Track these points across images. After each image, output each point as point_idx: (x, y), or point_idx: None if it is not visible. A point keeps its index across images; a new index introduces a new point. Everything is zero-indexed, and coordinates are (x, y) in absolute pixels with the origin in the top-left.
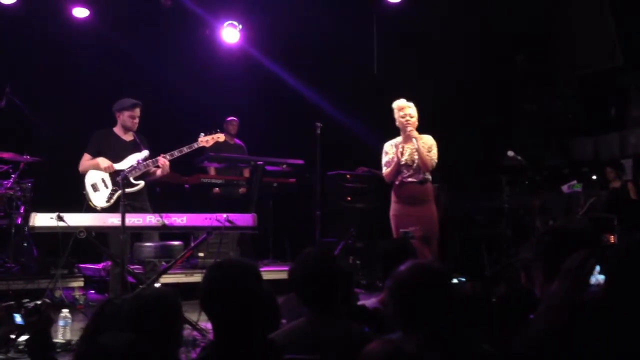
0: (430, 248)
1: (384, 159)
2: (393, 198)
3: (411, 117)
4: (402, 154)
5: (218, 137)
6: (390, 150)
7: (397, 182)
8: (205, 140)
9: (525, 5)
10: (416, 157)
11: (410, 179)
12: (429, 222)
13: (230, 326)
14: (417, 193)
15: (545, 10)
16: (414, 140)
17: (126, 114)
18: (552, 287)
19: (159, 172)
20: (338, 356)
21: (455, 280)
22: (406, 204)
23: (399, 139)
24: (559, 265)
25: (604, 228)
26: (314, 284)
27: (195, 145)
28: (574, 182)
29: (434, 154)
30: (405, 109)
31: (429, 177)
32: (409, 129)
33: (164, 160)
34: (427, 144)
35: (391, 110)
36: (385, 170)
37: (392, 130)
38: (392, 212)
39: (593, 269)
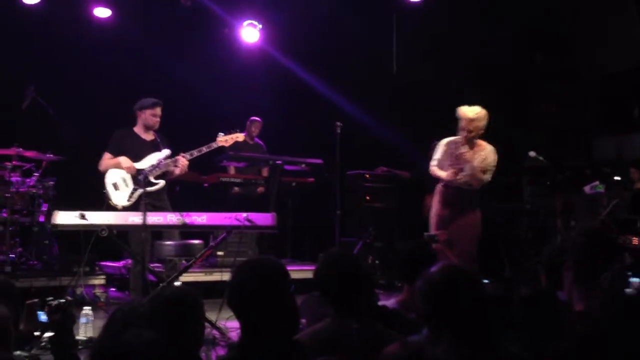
0: (470, 252)
1: (436, 155)
2: (437, 198)
3: (470, 132)
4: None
5: (237, 137)
6: (445, 150)
7: (442, 184)
8: (224, 140)
9: (546, 2)
10: (469, 171)
11: (458, 185)
12: (472, 227)
13: (258, 326)
14: (463, 198)
15: (565, 8)
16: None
17: (148, 112)
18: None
19: (177, 171)
20: (364, 357)
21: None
22: (450, 207)
23: (459, 139)
24: (590, 266)
25: (627, 229)
26: (340, 285)
27: (214, 145)
28: (596, 182)
29: (489, 173)
30: (464, 121)
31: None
32: (460, 150)
33: (183, 160)
34: (489, 159)
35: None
36: (434, 168)
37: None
38: (434, 211)
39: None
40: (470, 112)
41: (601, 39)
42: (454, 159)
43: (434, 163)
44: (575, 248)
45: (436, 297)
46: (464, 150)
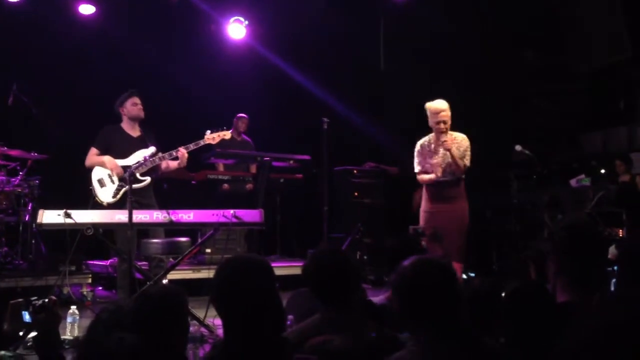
0: (460, 244)
1: (417, 158)
2: (424, 195)
3: (445, 123)
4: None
5: (224, 135)
6: (420, 153)
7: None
8: (211, 137)
9: None
10: (449, 159)
11: (443, 179)
12: (459, 219)
13: (241, 323)
14: (449, 191)
15: (553, 4)
16: (448, 152)
17: (128, 104)
18: None
19: (174, 164)
20: None
21: (464, 276)
22: (437, 201)
23: (431, 137)
24: (572, 260)
25: (612, 222)
26: (330, 281)
27: (202, 143)
28: (582, 176)
29: (467, 158)
30: (440, 114)
31: (462, 175)
32: (442, 139)
33: (183, 151)
34: (462, 146)
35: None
36: (418, 173)
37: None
38: (422, 208)
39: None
40: (442, 103)
41: (588, 33)
42: (431, 155)
43: (417, 170)
44: (558, 240)
45: (408, 290)
46: (442, 141)
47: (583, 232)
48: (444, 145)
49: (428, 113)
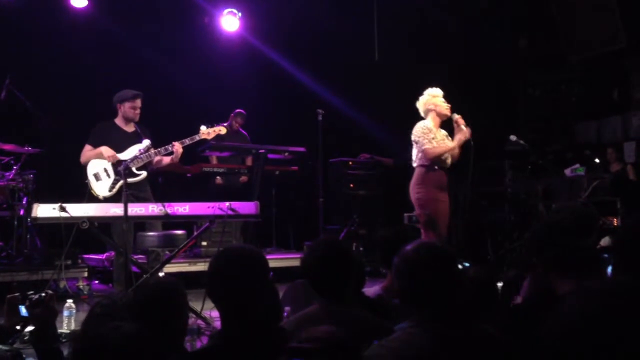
0: (442, 233)
1: (424, 138)
2: (421, 183)
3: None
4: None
5: (220, 131)
6: (434, 132)
7: (428, 165)
8: (206, 132)
9: None
10: (449, 144)
11: (442, 165)
12: (449, 206)
13: (236, 314)
14: (445, 179)
15: None
16: (463, 127)
17: (127, 105)
18: None
19: (167, 159)
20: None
21: (459, 266)
22: (436, 189)
23: (428, 123)
24: (553, 256)
25: (607, 211)
26: (328, 273)
27: (197, 137)
28: (577, 165)
29: None
30: (442, 96)
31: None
32: (456, 116)
33: (178, 146)
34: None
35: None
36: (432, 149)
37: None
38: (419, 195)
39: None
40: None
41: (582, 22)
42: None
43: (430, 145)
44: (546, 232)
45: (410, 272)
46: (439, 132)
47: (562, 229)
48: (458, 120)
49: (428, 99)
